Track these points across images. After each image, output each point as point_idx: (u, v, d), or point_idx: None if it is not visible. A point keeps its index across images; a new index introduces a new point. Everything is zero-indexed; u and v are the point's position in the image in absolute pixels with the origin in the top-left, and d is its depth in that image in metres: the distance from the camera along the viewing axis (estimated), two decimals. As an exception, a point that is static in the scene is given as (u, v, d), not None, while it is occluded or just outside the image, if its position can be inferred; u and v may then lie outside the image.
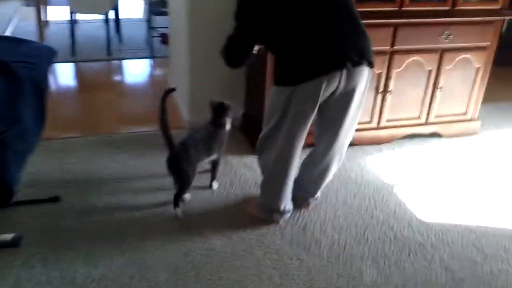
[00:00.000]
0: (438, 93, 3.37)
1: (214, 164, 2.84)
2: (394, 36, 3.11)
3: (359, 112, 2.35)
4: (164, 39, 5.46)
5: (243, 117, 3.55)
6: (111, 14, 5.22)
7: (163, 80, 4.54)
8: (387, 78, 3.24)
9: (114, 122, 3.67)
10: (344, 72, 2.12)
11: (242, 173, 3.05)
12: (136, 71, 5.01)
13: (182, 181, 2.59)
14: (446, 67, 3.30)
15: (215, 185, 2.89)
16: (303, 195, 2.64)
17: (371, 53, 2.22)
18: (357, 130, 2.55)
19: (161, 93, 2.60)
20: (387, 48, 3.13)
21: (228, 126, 2.77)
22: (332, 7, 2.16)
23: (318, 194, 2.66)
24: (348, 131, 2.37)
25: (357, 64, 2.13)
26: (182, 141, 2.63)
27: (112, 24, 5.31)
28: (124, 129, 3.56)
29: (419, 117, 3.46)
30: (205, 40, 3.34)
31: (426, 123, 3.50)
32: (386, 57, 3.16)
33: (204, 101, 3.45)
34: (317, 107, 2.20)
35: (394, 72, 3.22)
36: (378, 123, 3.39)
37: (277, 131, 2.30)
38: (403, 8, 3.09)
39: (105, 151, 3.22)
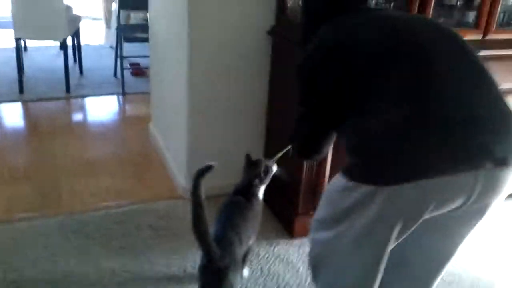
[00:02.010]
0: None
1: (249, 249, 1.94)
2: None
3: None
4: (136, 70, 4.51)
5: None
6: (69, 40, 4.19)
7: (138, 122, 3.54)
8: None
9: (79, 189, 2.64)
10: (481, 175, 1.19)
11: (275, 270, 2.09)
12: (102, 111, 3.98)
13: None
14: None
15: (245, 272, 2.04)
16: None
17: None
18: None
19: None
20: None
21: (261, 195, 1.95)
22: (455, 60, 1.27)
23: None
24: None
25: (503, 162, 1.18)
26: (220, 235, 1.72)
27: (70, 52, 4.27)
28: (93, 201, 2.53)
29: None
30: (212, 75, 2.40)
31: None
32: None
33: (209, 160, 2.54)
34: (413, 228, 1.27)
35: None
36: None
37: (341, 247, 1.37)
38: (488, 37, 2.26)
39: (69, 243, 2.18)
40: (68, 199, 2.54)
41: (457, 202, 1.21)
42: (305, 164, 2.16)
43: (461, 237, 1.38)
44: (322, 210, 1.45)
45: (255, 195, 1.92)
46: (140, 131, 3.40)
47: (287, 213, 2.33)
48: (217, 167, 2.51)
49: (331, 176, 2.20)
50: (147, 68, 4.51)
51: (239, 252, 1.74)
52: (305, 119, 1.47)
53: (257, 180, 1.92)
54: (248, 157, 1.99)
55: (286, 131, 2.37)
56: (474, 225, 1.35)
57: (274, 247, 2.23)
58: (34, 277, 1.96)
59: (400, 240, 1.28)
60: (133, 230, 2.29)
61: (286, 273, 2.08)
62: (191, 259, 2.10)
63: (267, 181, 1.96)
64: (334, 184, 1.37)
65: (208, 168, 1.67)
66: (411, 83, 1.20)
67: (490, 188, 1.21)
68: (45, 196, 2.57)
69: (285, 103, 2.38)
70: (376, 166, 1.21)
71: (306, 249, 2.20)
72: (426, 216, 1.23)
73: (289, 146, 2.03)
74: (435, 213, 1.23)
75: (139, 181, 2.77)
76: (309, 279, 2.04)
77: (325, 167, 2.18)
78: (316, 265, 1.52)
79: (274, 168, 1.98)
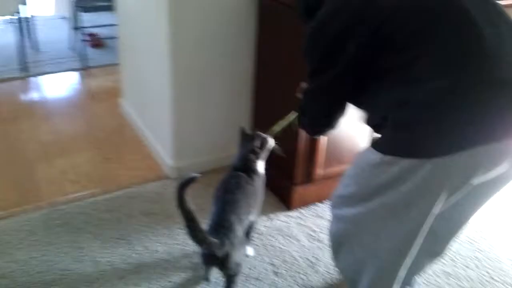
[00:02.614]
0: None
1: (251, 225, 1.89)
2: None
3: None
4: (95, 42, 4.24)
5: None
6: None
7: (107, 97, 3.35)
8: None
9: (56, 177, 2.48)
10: None
11: (279, 245, 2.05)
12: (65, 88, 3.73)
13: (234, 274, 1.70)
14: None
15: (250, 251, 1.99)
16: None
17: None
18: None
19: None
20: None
21: (262, 170, 1.88)
22: (493, 21, 1.17)
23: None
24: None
25: None
26: (219, 218, 1.66)
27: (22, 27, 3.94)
28: (75, 190, 2.38)
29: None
30: (195, 45, 2.25)
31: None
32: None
33: (195, 138, 2.43)
34: (456, 195, 1.23)
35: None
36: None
37: (372, 223, 1.33)
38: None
39: (58, 239, 2.05)
40: (47, 190, 2.37)
41: (503, 168, 1.17)
42: (300, 133, 2.08)
43: (487, 200, 1.36)
44: (349, 187, 1.39)
45: (254, 170, 1.84)
46: (110, 108, 3.21)
47: (283, 185, 2.27)
48: (204, 142, 2.42)
49: (328, 144, 2.14)
50: (107, 38, 4.26)
51: (240, 233, 1.68)
52: (319, 92, 1.36)
53: (252, 155, 1.84)
54: (243, 130, 1.90)
55: (275, 101, 2.30)
56: (492, 193, 1.34)
57: (274, 222, 2.18)
58: (28, 281, 1.82)
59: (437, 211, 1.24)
60: (125, 218, 2.18)
61: (290, 247, 2.03)
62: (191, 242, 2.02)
63: (265, 155, 1.88)
64: (364, 159, 1.31)
65: (192, 180, 1.52)
66: (458, 46, 1.12)
67: None
68: (20, 189, 2.40)
69: (274, 71, 2.27)
70: (424, 138, 1.14)
71: (307, 220, 2.18)
72: (472, 182, 1.18)
73: (291, 118, 1.94)
74: (479, 180, 1.19)
75: (120, 163, 2.63)
76: (313, 251, 2.01)
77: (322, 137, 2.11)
78: (341, 241, 1.48)
79: (271, 142, 1.89)
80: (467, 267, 1.95)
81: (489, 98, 1.10)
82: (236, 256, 1.63)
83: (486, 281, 1.89)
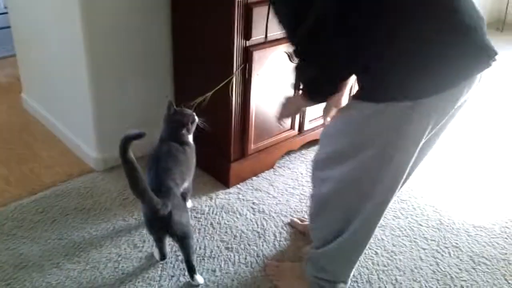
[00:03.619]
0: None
1: (185, 194, 1.95)
2: None
3: None
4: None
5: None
6: None
7: (2, 94, 3.08)
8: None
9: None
10: (480, 74, 1.33)
11: (225, 222, 2.10)
12: None
13: (184, 236, 1.73)
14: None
15: (189, 203, 2.14)
16: None
17: None
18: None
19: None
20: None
21: (191, 141, 1.99)
22: None
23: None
24: None
25: (493, 60, 1.31)
26: (156, 183, 1.72)
27: None
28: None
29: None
30: (108, 30, 2.18)
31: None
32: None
33: (118, 126, 2.37)
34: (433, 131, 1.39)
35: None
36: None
37: (365, 174, 1.43)
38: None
39: (-9, 248, 1.90)
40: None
41: (463, 99, 1.33)
42: (233, 110, 2.14)
43: (438, 135, 1.47)
44: (335, 144, 1.44)
45: (185, 142, 1.93)
46: (11, 104, 2.97)
47: (219, 163, 2.32)
48: (128, 129, 2.38)
49: (257, 119, 2.23)
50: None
51: (178, 194, 1.75)
52: (316, 55, 1.32)
53: (184, 130, 1.92)
54: (170, 104, 1.95)
55: (195, 78, 2.31)
56: (448, 123, 1.45)
57: (215, 200, 2.22)
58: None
59: None
60: (60, 217, 2.07)
61: (236, 222, 2.10)
62: (136, 231, 2.01)
63: (192, 129, 1.97)
64: (353, 113, 1.37)
65: (138, 136, 1.52)
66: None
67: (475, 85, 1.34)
68: None
69: (190, 48, 2.28)
70: (418, 80, 1.25)
71: (246, 195, 2.26)
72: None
73: (206, 95, 2.08)
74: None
75: (38, 162, 2.46)
76: (258, 222, 2.10)
77: (250, 111, 2.19)
78: (326, 202, 1.54)
79: (196, 118, 1.99)
80: (396, 217, 2.18)
81: (464, 42, 1.25)
82: (179, 216, 1.68)
83: (415, 227, 2.14)
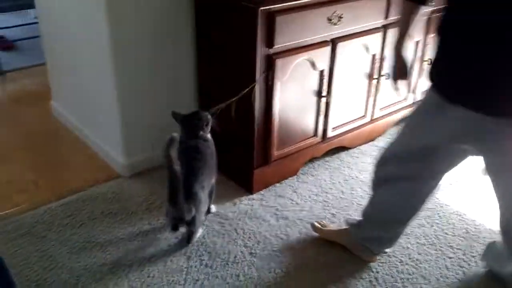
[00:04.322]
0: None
1: (212, 188, 2.12)
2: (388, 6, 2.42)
3: None
4: (4, 44, 3.98)
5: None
6: None
7: (33, 102, 3.17)
8: (382, 59, 2.56)
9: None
10: None
11: (249, 228, 2.11)
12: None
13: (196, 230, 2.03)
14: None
15: (213, 208, 2.21)
16: None
17: None
18: (353, 129, 2.55)
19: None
20: (382, 21, 2.45)
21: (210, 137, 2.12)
22: None
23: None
24: None
25: None
26: (184, 187, 1.85)
27: None
28: (24, 199, 2.25)
29: (406, 98, 2.89)
30: (135, 38, 2.23)
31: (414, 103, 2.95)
32: (381, 33, 2.48)
33: (145, 132, 2.41)
34: None
35: (389, 50, 2.57)
36: (372, 115, 2.73)
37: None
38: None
39: (22, 249, 1.95)
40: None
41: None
42: (255, 117, 2.16)
43: None
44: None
45: (205, 138, 2.06)
46: (40, 112, 3.05)
47: (242, 169, 2.34)
48: (155, 135, 2.43)
49: (280, 126, 2.24)
50: (16, 40, 4.01)
51: (202, 198, 1.94)
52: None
53: (201, 132, 2.03)
54: (174, 114, 2.06)
55: (219, 85, 2.34)
56: None
57: (239, 207, 2.24)
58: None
59: None
60: (87, 221, 2.12)
61: (260, 228, 2.11)
62: (162, 235, 2.04)
63: (208, 131, 2.08)
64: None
65: (172, 140, 1.84)
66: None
67: None
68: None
69: (216, 54, 2.31)
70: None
71: (269, 201, 2.27)
72: None
73: (228, 102, 2.14)
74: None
75: (66, 167, 2.53)
76: (281, 228, 2.11)
77: (273, 118, 2.20)
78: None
79: (210, 118, 2.08)
80: (422, 226, 2.16)
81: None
82: (199, 218, 1.95)
83: (441, 235, 2.11)
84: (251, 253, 1.97)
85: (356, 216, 2.04)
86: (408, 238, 2.07)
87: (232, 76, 2.23)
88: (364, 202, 2.23)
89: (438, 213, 2.23)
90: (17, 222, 2.09)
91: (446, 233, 2.12)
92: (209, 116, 2.05)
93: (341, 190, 2.38)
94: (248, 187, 2.34)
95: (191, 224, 1.93)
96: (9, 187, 2.34)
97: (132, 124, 2.37)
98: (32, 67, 3.63)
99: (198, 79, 2.48)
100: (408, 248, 2.02)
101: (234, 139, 2.35)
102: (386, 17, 2.44)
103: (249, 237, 2.06)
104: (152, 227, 2.09)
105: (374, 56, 2.51)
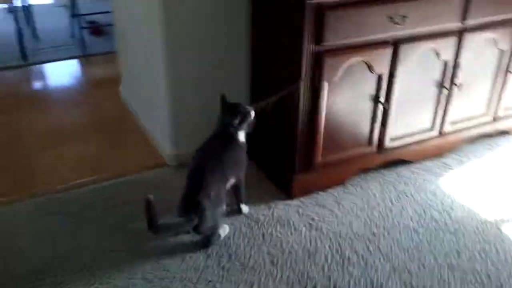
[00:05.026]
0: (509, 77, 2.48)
1: (236, 188, 2.02)
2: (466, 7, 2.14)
3: None
4: (96, 29, 4.18)
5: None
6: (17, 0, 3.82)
7: (107, 85, 3.30)
8: (455, 67, 2.29)
9: (54, 164, 2.44)
10: None
11: (278, 235, 1.99)
12: (65, 77, 3.68)
13: (210, 234, 1.90)
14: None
15: (245, 208, 2.11)
16: None
17: None
18: (417, 142, 2.29)
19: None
20: (457, 24, 2.17)
21: (242, 138, 1.96)
22: None
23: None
24: None
25: None
26: (187, 193, 1.83)
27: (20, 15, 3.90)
28: (73, 177, 2.33)
29: (486, 114, 2.56)
30: (188, 29, 2.19)
31: (494, 120, 2.61)
32: (455, 38, 2.21)
33: (194, 125, 2.37)
34: None
35: (465, 58, 2.28)
36: (441, 129, 2.45)
37: None
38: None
39: (55, 225, 2.01)
40: (44, 177, 2.34)
41: None
42: (299, 118, 2.02)
43: None
44: None
45: (234, 138, 1.90)
46: (110, 96, 3.17)
47: (283, 173, 2.22)
48: (204, 128, 2.37)
49: (327, 130, 2.08)
50: (107, 25, 4.20)
51: (208, 206, 1.78)
52: None
53: (232, 127, 1.89)
54: (223, 98, 1.92)
55: (270, 81, 2.23)
56: None
57: (273, 211, 2.12)
58: (26, 267, 1.79)
59: None
60: (123, 205, 2.13)
61: (289, 237, 1.98)
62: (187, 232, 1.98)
63: (245, 127, 1.93)
64: None
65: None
66: None
67: None
68: (18, 177, 2.36)
69: (269, 51, 2.20)
70: None
71: (307, 209, 2.13)
72: None
73: (269, 100, 2.02)
74: None
75: (119, 150, 2.59)
76: (312, 240, 1.96)
77: (319, 121, 2.05)
78: None
79: (252, 114, 1.92)
80: (473, 259, 1.88)
81: None
82: (206, 224, 1.79)
83: (493, 275, 1.82)
84: (272, 262, 1.85)
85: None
86: (451, 271, 1.81)
87: (280, 72, 2.11)
88: (413, 225, 2.02)
89: (496, 248, 1.93)
90: (60, 199, 2.17)
91: (501, 273, 1.82)
92: (249, 112, 1.92)
93: (389, 208, 2.16)
94: (287, 192, 2.21)
95: (199, 233, 1.85)
96: (60, 165, 2.45)
97: (182, 116, 2.35)
98: (114, 53, 3.79)
99: (251, 74, 2.39)
100: (450, 283, 1.77)
101: (275, 139, 2.23)
102: (464, 19, 2.16)
103: (275, 245, 1.93)
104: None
105: (446, 63, 2.25)
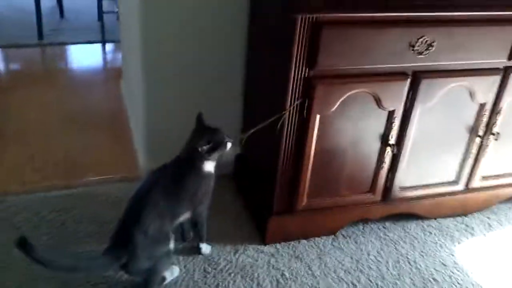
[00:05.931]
0: None
1: (195, 223, 1.71)
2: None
3: None
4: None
5: (238, 166, 2.13)
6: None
7: (114, 77, 3.07)
8: (494, 112, 1.84)
9: (20, 163, 2.22)
10: None
11: (233, 287, 1.65)
12: (76, 62, 3.50)
13: (146, 279, 1.56)
14: None
15: (205, 248, 1.78)
16: None
17: None
18: (435, 195, 1.88)
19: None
20: (502, 61, 1.72)
21: (209, 168, 1.62)
22: None
23: None
24: None
25: None
26: (120, 225, 1.52)
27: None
28: (35, 180, 2.10)
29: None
30: (170, 29, 1.89)
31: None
32: (498, 77, 1.76)
33: (173, 139, 2.06)
34: None
35: (507, 102, 1.83)
36: (468, 183, 2.00)
37: None
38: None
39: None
40: (3, 177, 2.12)
41: None
42: (282, 153, 1.66)
43: None
44: None
45: (198, 167, 1.59)
46: (114, 89, 2.92)
47: (259, 211, 1.87)
48: (183, 143, 2.05)
49: (315, 169, 1.71)
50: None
51: (161, 227, 1.51)
52: None
53: (198, 154, 1.56)
54: (199, 118, 1.62)
55: (260, 108, 1.88)
56: None
57: (239, 256, 1.77)
58: None
59: None
60: (71, 223, 1.86)
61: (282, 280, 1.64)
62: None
63: (216, 157, 1.60)
64: None
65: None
66: None
67: None
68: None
69: (260, 72, 1.86)
70: None
71: (281, 260, 1.78)
72: None
73: (249, 132, 1.68)
74: None
75: (97, 151, 2.35)
76: (276, 303, 1.60)
77: (306, 158, 1.68)
78: None
79: (228, 145, 1.60)
80: None
81: None
82: (137, 265, 1.49)
83: None
84: (215, 325, 1.52)
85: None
86: None
87: (269, 99, 1.76)
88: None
89: None
90: (10, 203, 1.93)
91: None
92: (225, 142, 1.59)
93: (382, 275, 1.76)
94: (261, 235, 1.86)
95: (129, 274, 1.56)
96: (27, 164, 2.21)
97: (160, 128, 2.05)
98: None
99: (244, 99, 2.07)
100: None
101: (260, 173, 1.89)
102: None
103: (227, 302, 1.60)
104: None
105: (482, 106, 1.80)
